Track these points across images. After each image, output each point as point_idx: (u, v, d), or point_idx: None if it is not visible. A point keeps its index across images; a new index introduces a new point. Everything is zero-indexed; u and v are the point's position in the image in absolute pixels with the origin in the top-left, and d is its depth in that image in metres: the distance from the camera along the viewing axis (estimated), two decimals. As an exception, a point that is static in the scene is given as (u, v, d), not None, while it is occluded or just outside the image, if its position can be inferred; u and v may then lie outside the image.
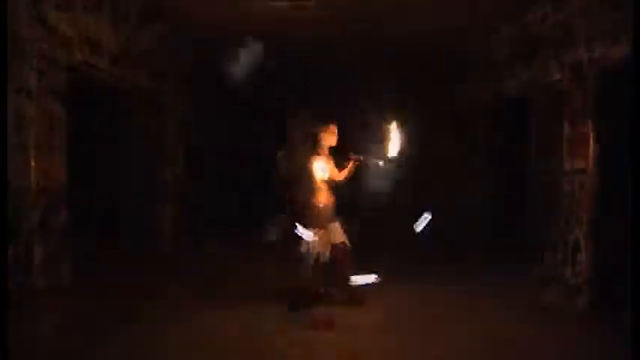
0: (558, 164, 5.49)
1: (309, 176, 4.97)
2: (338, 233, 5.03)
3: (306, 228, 4.84)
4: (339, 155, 5.13)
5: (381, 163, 4.86)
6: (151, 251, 7.54)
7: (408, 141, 4.94)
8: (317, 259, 4.93)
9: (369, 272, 4.95)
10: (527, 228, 6.60)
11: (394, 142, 4.81)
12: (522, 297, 5.61)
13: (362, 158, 4.96)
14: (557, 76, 5.56)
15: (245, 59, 7.19)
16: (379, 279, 4.85)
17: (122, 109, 8.31)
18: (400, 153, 4.84)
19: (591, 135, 4.95)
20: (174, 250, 7.74)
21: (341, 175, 5.13)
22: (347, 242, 5.05)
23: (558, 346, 4.22)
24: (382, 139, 4.88)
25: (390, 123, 4.86)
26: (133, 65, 6.05)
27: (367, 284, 4.85)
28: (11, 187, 3.92)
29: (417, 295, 5.65)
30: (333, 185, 5.09)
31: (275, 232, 5.42)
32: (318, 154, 5.06)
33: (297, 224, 4.81)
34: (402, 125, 4.88)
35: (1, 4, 3.57)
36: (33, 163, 4.02)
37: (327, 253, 4.97)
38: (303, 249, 4.90)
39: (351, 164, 5.04)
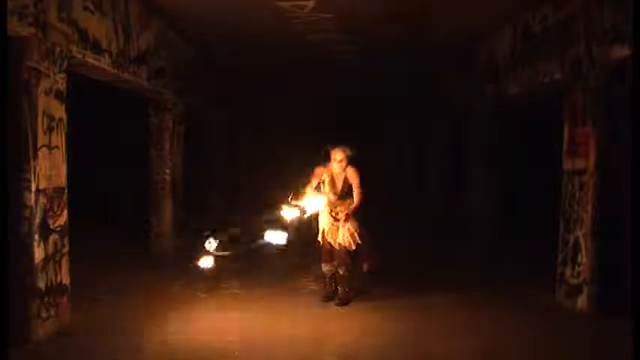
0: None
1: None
2: (344, 235, 5.34)
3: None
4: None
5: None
6: (152, 251, 7.54)
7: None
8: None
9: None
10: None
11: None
12: (522, 297, 5.61)
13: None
14: (557, 76, 5.56)
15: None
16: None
17: (122, 109, 8.31)
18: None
19: (591, 135, 4.94)
20: (174, 249, 7.74)
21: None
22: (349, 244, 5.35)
23: (558, 346, 4.22)
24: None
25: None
26: (133, 65, 6.05)
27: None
28: (11, 187, 3.92)
29: (418, 294, 5.65)
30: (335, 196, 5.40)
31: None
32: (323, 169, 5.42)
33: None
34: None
35: (1, 4, 3.57)
36: (33, 163, 4.01)
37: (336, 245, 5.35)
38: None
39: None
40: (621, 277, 4.71)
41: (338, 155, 5.33)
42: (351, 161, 5.41)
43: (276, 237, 4.92)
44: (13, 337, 3.78)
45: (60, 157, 4.37)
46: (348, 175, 5.40)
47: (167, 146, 7.69)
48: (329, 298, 5.44)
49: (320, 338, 4.37)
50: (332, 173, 5.43)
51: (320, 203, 5.24)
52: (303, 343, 4.22)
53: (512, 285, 6.07)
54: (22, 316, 3.97)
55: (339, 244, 5.34)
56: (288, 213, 4.92)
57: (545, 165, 7.06)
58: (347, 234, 5.32)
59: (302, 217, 5.03)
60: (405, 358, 3.97)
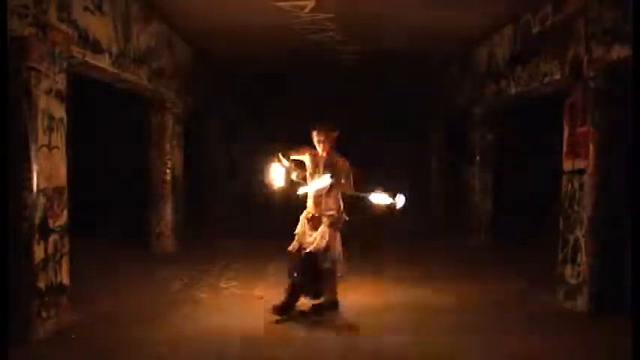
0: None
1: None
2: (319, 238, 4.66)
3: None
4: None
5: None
6: (152, 251, 7.54)
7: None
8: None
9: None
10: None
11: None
12: (522, 297, 5.61)
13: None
14: (557, 76, 5.56)
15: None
16: None
17: (122, 109, 8.31)
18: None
19: (591, 135, 4.94)
20: (174, 250, 7.74)
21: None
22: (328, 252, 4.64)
23: (558, 346, 4.22)
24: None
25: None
26: (133, 65, 6.05)
27: None
28: (11, 187, 3.92)
29: (417, 295, 5.65)
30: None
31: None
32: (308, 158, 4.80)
33: None
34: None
35: (1, 4, 3.57)
36: (33, 163, 4.00)
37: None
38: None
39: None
40: (621, 277, 4.72)
41: (319, 136, 4.70)
42: (342, 152, 4.81)
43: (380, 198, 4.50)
44: (14, 337, 3.78)
45: (60, 157, 4.36)
46: (339, 165, 4.67)
47: (167, 146, 7.70)
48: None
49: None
50: (317, 160, 4.73)
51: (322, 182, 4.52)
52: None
53: (511, 285, 6.07)
54: (22, 316, 3.97)
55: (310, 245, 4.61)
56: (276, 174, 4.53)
57: (544, 165, 7.08)
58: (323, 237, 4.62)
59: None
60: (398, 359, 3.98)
